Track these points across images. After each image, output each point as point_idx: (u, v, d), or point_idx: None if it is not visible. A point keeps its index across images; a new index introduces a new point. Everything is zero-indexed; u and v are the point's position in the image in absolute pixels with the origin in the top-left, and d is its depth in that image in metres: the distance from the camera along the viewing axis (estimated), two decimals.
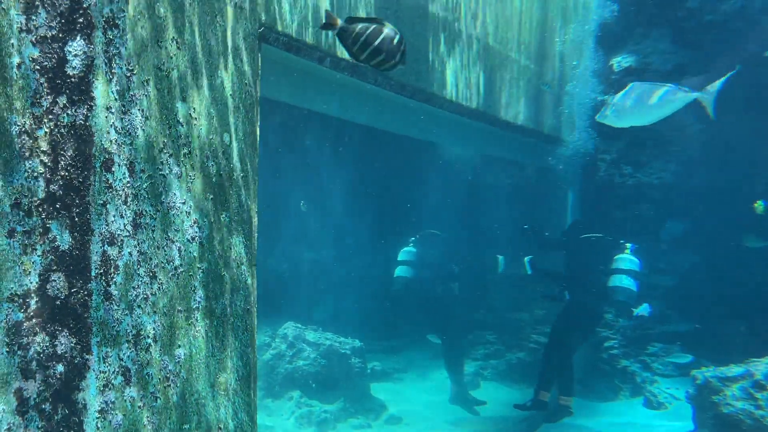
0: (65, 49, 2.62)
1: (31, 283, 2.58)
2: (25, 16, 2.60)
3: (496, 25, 7.58)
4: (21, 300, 2.57)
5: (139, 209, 2.87)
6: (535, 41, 8.54)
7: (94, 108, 2.66)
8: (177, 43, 3.16)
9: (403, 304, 10.29)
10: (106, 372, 2.67)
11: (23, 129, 2.59)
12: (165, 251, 3.02)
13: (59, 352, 2.59)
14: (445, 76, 6.60)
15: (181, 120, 3.17)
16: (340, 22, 3.47)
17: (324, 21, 3.58)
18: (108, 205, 2.71)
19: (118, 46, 2.77)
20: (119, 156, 2.77)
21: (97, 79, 2.67)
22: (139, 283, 2.86)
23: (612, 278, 7.92)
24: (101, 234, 2.68)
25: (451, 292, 9.79)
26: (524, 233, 8.80)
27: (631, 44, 10.11)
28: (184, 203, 3.16)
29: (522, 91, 8.30)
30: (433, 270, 9.71)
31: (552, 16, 8.98)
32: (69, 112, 2.63)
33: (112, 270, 2.72)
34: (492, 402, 9.37)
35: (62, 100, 2.62)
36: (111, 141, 2.73)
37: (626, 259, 7.97)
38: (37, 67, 2.60)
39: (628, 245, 8.09)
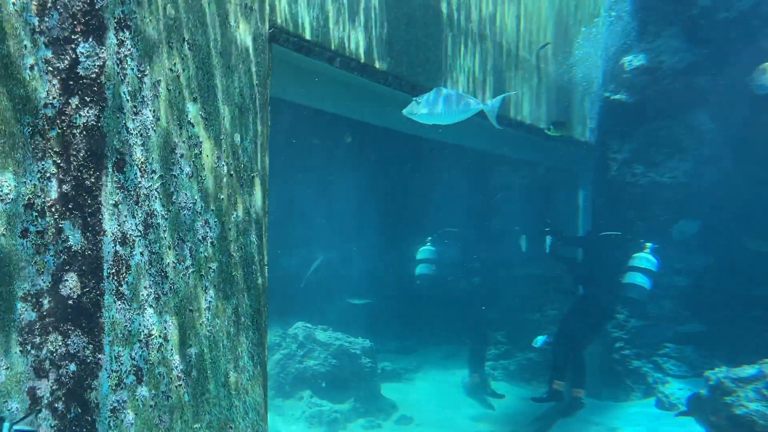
0: (77, 50, 2.64)
1: (44, 282, 2.60)
2: (38, 18, 2.62)
3: (508, 25, 7.56)
4: (34, 299, 2.59)
5: (150, 209, 2.88)
6: (548, 40, 8.51)
7: (105, 109, 2.68)
8: (188, 44, 3.18)
9: (426, 301, 10.34)
10: (118, 371, 2.69)
11: (36, 130, 2.61)
12: (176, 251, 3.03)
13: (72, 351, 2.61)
14: (455, 76, 6.59)
15: (192, 120, 3.18)
16: None
17: None
18: (120, 206, 2.73)
19: (129, 47, 2.78)
20: (131, 156, 2.78)
21: (108, 80, 2.69)
22: (151, 282, 2.87)
23: (627, 275, 7.94)
24: (113, 234, 2.69)
25: (474, 285, 9.87)
26: (543, 233, 8.79)
27: (644, 42, 10.02)
28: (195, 203, 3.17)
29: (533, 90, 8.27)
30: (455, 267, 9.77)
31: (565, 14, 8.95)
32: (81, 113, 2.65)
33: (124, 270, 2.74)
34: (503, 401, 9.36)
35: (74, 101, 2.64)
36: (122, 142, 2.75)
37: (643, 257, 7.98)
38: (50, 69, 2.62)
39: (648, 244, 8.07)
